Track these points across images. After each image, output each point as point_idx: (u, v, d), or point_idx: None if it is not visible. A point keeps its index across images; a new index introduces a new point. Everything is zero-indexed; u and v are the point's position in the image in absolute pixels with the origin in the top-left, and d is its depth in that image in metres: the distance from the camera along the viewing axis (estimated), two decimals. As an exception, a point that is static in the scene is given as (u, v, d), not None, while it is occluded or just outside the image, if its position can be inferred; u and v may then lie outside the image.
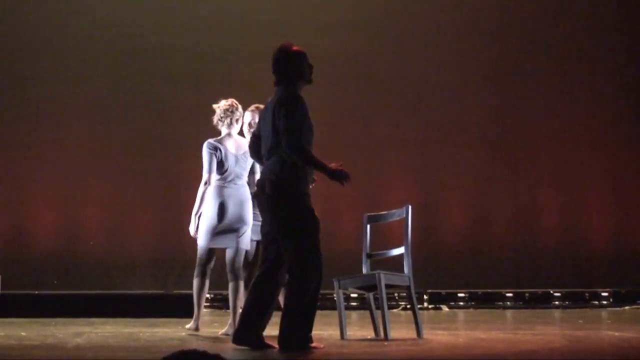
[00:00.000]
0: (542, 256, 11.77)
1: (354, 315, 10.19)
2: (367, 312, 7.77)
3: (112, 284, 11.23)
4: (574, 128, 12.07)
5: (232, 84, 10.87)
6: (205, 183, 7.76)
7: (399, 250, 7.50)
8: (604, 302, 11.63)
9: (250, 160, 7.81)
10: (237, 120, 7.87)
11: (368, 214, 7.77)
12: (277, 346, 6.55)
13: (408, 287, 7.42)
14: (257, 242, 7.64)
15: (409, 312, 8.27)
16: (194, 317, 7.81)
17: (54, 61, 11.60)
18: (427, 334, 7.54)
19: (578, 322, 9.43)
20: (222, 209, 7.70)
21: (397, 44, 11.93)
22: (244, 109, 7.96)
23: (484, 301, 11.61)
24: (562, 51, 12.07)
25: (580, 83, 12.09)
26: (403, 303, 11.17)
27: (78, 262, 11.34)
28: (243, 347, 6.60)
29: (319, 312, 6.74)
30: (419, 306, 7.94)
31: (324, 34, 11.57)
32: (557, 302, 11.63)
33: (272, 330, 6.70)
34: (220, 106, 7.88)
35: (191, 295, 7.83)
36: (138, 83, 11.64)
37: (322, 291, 6.70)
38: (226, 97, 7.95)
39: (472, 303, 11.62)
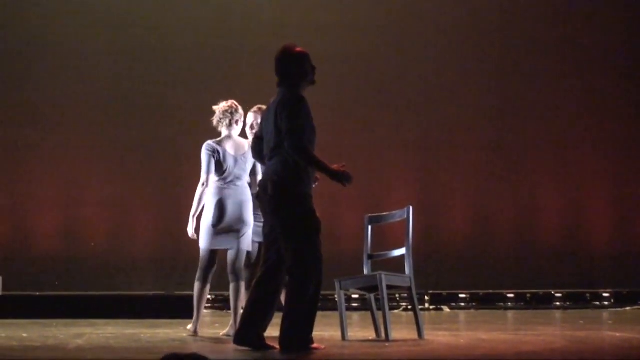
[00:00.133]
0: (543, 257, 11.76)
1: (355, 316, 10.19)
2: (369, 313, 7.77)
3: (113, 284, 11.22)
4: (574, 129, 12.06)
5: (233, 85, 10.87)
6: (203, 184, 7.75)
7: (400, 251, 7.49)
8: (605, 303, 11.63)
9: (250, 162, 7.80)
10: (237, 122, 7.86)
11: (369, 214, 7.76)
12: (278, 347, 6.54)
13: (409, 288, 7.42)
14: (260, 243, 7.64)
15: (410, 313, 8.26)
16: (193, 320, 7.80)
17: (55, 62, 11.59)
18: (428, 334, 7.54)
19: (579, 322, 9.42)
20: (221, 210, 7.69)
21: (398, 45, 11.93)
22: (246, 110, 7.96)
23: (485, 302, 11.61)
24: (563, 52, 12.07)
25: (581, 84, 12.08)
26: (404, 304, 11.16)
27: (79, 263, 11.34)
28: (244, 348, 6.59)
29: (320, 313, 6.74)
30: (420, 307, 7.94)
31: (324, 34, 11.57)
32: (558, 303, 11.63)
33: (273, 331, 6.69)
34: (220, 107, 7.88)
35: (192, 296, 7.82)
36: (139, 84, 11.63)
37: (323, 292, 6.70)
38: (227, 98, 7.95)
39: (473, 304, 11.62)
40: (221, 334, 7.93)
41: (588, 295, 11.71)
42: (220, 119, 7.85)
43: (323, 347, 6.68)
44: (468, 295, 11.66)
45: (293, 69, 6.67)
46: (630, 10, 12.17)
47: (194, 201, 7.77)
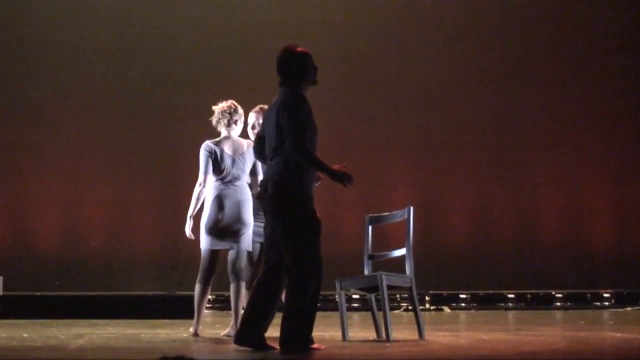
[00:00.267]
0: (544, 257, 11.76)
1: (356, 316, 10.19)
2: (369, 313, 7.77)
3: (114, 285, 11.22)
4: (575, 129, 12.06)
5: (234, 85, 10.87)
6: (200, 184, 7.75)
7: (401, 252, 7.48)
8: (606, 303, 11.63)
9: (249, 162, 7.80)
10: (235, 122, 7.84)
11: (370, 215, 7.75)
12: (278, 347, 6.54)
13: (410, 289, 7.41)
14: (261, 243, 7.63)
15: (411, 314, 8.25)
16: (194, 322, 7.79)
17: (55, 62, 11.59)
18: (428, 335, 7.53)
19: (580, 323, 9.41)
20: (218, 210, 7.68)
21: (399, 45, 11.92)
22: (246, 110, 7.95)
23: (486, 302, 11.60)
24: (564, 52, 12.07)
25: (582, 84, 12.08)
26: (405, 304, 11.16)
27: (80, 263, 11.34)
28: (245, 348, 6.59)
29: (320, 314, 6.73)
30: (420, 307, 7.92)
31: (325, 34, 11.57)
32: (558, 303, 11.63)
33: (273, 331, 6.69)
34: (219, 107, 7.87)
35: (192, 296, 7.81)
36: (140, 84, 11.63)
37: (323, 292, 6.69)
38: (228, 99, 7.94)
39: (474, 304, 11.62)
40: (222, 334, 7.92)
41: (589, 295, 11.71)
42: (219, 119, 7.84)
43: (323, 347, 6.67)
44: (468, 296, 11.66)
45: (295, 69, 6.66)
46: (632, 10, 12.16)
47: (192, 201, 7.77)
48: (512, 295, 11.66)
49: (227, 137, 7.84)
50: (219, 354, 6.69)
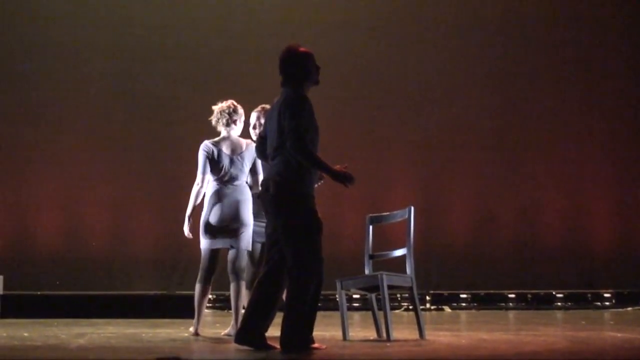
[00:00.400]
0: (545, 257, 11.76)
1: (356, 316, 10.18)
2: (370, 313, 7.76)
3: (114, 284, 11.22)
4: (576, 129, 12.06)
5: (235, 85, 10.87)
6: (198, 184, 7.75)
7: (402, 251, 7.47)
8: (607, 303, 11.63)
9: (248, 162, 7.79)
10: (235, 122, 7.83)
11: (370, 215, 7.74)
12: (278, 347, 6.53)
13: (410, 288, 7.40)
14: (262, 243, 7.62)
15: (411, 313, 8.25)
16: (194, 321, 7.79)
17: (55, 61, 11.60)
18: (429, 335, 7.52)
19: (580, 323, 9.40)
20: (216, 210, 7.68)
21: (400, 45, 11.92)
22: (247, 110, 7.94)
23: (487, 302, 11.60)
24: (565, 52, 12.07)
25: (583, 84, 12.08)
26: (405, 304, 11.16)
27: (80, 262, 11.34)
28: (245, 348, 6.58)
29: (321, 313, 6.72)
30: (421, 307, 7.92)
31: (325, 34, 11.56)
32: (559, 303, 11.63)
33: (274, 331, 6.68)
34: (218, 107, 7.86)
35: (193, 296, 7.80)
36: (140, 84, 11.64)
37: (324, 292, 6.69)
38: (229, 99, 7.93)
39: (475, 304, 11.61)
40: (222, 333, 7.91)
41: (589, 295, 11.71)
42: (218, 118, 7.84)
43: (324, 347, 6.66)
44: (469, 296, 11.66)
45: (297, 68, 6.65)
46: (632, 10, 12.16)
47: (190, 201, 7.77)
48: (512, 295, 11.66)
49: (226, 137, 7.83)
50: (219, 354, 6.69)
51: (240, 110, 7.89)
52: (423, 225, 10.57)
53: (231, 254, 7.72)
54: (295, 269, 6.46)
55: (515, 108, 12.05)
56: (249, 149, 7.76)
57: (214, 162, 7.73)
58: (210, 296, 8.81)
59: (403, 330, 8.04)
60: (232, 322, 7.73)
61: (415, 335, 7.45)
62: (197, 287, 7.74)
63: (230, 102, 7.88)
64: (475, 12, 12.00)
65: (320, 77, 6.77)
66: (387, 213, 7.78)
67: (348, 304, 8.08)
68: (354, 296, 10.94)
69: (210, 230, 7.68)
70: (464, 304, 11.63)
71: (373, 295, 7.57)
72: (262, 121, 7.69)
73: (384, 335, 7.32)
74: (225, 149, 7.77)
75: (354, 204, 11.29)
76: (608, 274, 11.80)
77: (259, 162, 7.73)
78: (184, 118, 11.30)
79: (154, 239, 11.49)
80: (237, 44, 11.72)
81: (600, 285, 11.78)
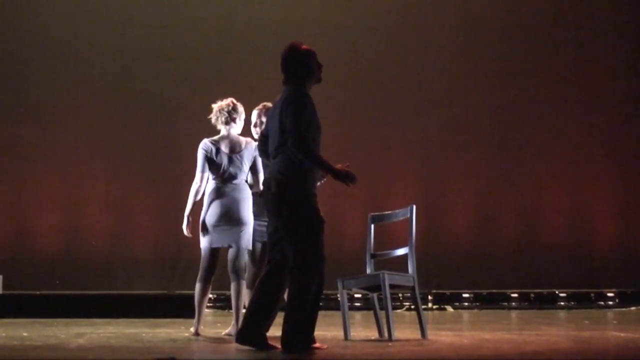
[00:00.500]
0: (548, 256, 11.74)
1: (358, 315, 10.17)
2: (371, 313, 7.74)
3: (114, 284, 11.21)
4: (579, 129, 12.05)
5: (235, 84, 10.83)
6: (197, 183, 7.72)
7: (403, 251, 7.46)
8: (610, 303, 11.62)
9: (247, 160, 7.75)
10: (234, 120, 7.80)
11: (372, 213, 7.72)
12: (279, 347, 6.50)
13: (412, 288, 7.39)
14: (263, 242, 7.60)
15: (413, 313, 8.22)
16: (195, 321, 7.76)
17: (56, 61, 11.59)
18: (431, 334, 7.51)
19: (584, 322, 9.39)
20: (215, 208, 7.65)
21: (402, 45, 11.92)
22: (248, 109, 7.91)
23: (489, 302, 11.60)
24: (568, 51, 12.08)
25: (585, 83, 12.07)
26: (407, 303, 11.16)
27: (80, 262, 11.32)
28: (246, 347, 6.56)
29: (322, 313, 6.71)
30: (423, 307, 7.91)
31: (327, 34, 11.55)
32: (562, 303, 11.61)
33: (275, 331, 6.65)
34: (217, 105, 7.84)
35: (193, 295, 7.77)
36: (140, 83, 11.63)
37: (325, 292, 6.67)
38: (228, 97, 7.90)
39: (477, 304, 11.60)
40: (223, 333, 7.90)
41: (592, 295, 11.69)
42: (217, 116, 7.81)
43: (325, 346, 6.64)
44: (471, 295, 11.64)
45: (299, 66, 6.62)
46: (635, 9, 12.14)
47: (188, 199, 7.75)
48: (515, 295, 11.64)
49: (225, 135, 7.80)
50: (220, 354, 6.67)
51: (240, 108, 7.86)
52: (425, 224, 10.56)
53: (231, 253, 7.69)
54: (297, 268, 6.43)
55: (516, 108, 12.04)
56: (248, 147, 7.74)
57: (213, 161, 7.70)
58: (210, 296, 8.79)
59: (405, 330, 8.02)
60: (233, 321, 7.70)
61: (417, 335, 7.43)
62: (197, 286, 7.71)
63: (229, 100, 7.85)
64: (476, 13, 11.99)
65: (322, 76, 6.74)
66: (389, 212, 7.77)
67: (349, 304, 8.07)
68: (356, 296, 10.92)
69: (211, 229, 7.66)
70: (466, 304, 11.62)
71: (375, 295, 7.56)
72: (263, 119, 7.67)
73: (386, 335, 7.31)
74: (224, 148, 7.74)
75: (355, 203, 11.27)
76: (611, 273, 11.79)
77: (259, 161, 7.71)
78: (184, 117, 11.28)
79: (154, 239, 11.47)
80: (238, 43, 11.71)
81: (603, 284, 11.75)
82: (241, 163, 7.73)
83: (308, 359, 6.31)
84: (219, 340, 7.56)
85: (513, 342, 7.21)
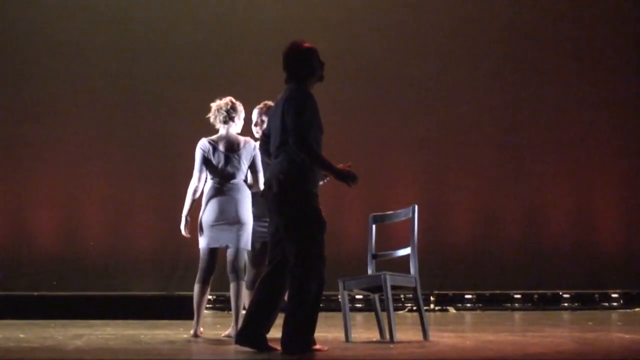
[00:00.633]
0: (551, 257, 11.72)
1: (359, 317, 10.18)
2: (373, 314, 7.72)
3: (112, 285, 11.18)
4: (583, 127, 12.03)
5: (235, 83, 10.79)
6: (194, 182, 7.69)
7: (405, 251, 7.45)
8: (614, 304, 11.60)
9: (246, 160, 7.72)
10: (233, 119, 7.76)
11: (373, 214, 7.70)
12: (279, 348, 6.45)
13: (414, 289, 7.37)
14: (263, 243, 7.55)
15: (415, 314, 8.21)
16: (194, 322, 7.71)
17: (55, 60, 11.57)
18: (433, 336, 7.50)
19: (588, 324, 9.39)
20: (213, 208, 7.63)
21: (403, 43, 11.90)
22: (249, 108, 7.87)
23: (492, 303, 11.57)
24: (571, 49, 12.06)
25: (589, 82, 12.05)
26: (409, 305, 11.14)
27: (78, 263, 11.30)
28: (246, 349, 6.52)
29: (323, 314, 6.69)
30: (425, 308, 7.91)
31: (327, 32, 11.53)
32: (566, 304, 11.60)
33: (275, 332, 6.60)
34: (215, 104, 7.80)
35: (192, 297, 7.73)
36: (140, 82, 11.61)
37: (326, 292, 6.63)
38: (227, 97, 7.86)
39: (480, 305, 11.57)
40: (223, 335, 7.89)
41: (596, 296, 11.66)
42: (215, 115, 7.78)
43: (326, 348, 6.63)
44: (474, 296, 11.61)
45: (301, 65, 6.59)
46: (636, 9, 12.12)
47: (186, 199, 7.72)
48: (518, 296, 11.61)
49: (224, 135, 7.76)
50: (219, 355, 6.68)
51: (239, 107, 7.81)
52: (427, 225, 10.49)
53: (230, 253, 7.65)
54: (297, 269, 6.40)
55: (519, 106, 12.01)
56: (247, 146, 7.70)
57: (210, 160, 7.67)
58: (210, 297, 8.76)
59: (407, 332, 8.00)
60: (232, 323, 7.66)
61: (419, 336, 7.41)
62: (196, 287, 7.67)
63: (228, 99, 7.82)
64: (476, 12, 11.97)
65: (324, 75, 6.69)
66: (391, 212, 7.75)
67: (351, 305, 8.07)
68: (357, 297, 10.88)
69: (210, 229, 7.63)
70: (468, 305, 11.58)
71: (376, 296, 7.54)
72: (264, 118, 7.65)
73: (387, 336, 7.30)
74: (222, 147, 7.70)
75: (357, 203, 11.25)
76: (615, 274, 11.76)
77: (258, 160, 7.69)
78: (184, 117, 11.24)
79: (153, 239, 11.44)
80: (238, 42, 11.69)
81: (607, 285, 11.72)
82: (239, 162, 7.68)
83: (308, 361, 6.28)
84: (218, 341, 7.56)
85: (517, 344, 7.21)
